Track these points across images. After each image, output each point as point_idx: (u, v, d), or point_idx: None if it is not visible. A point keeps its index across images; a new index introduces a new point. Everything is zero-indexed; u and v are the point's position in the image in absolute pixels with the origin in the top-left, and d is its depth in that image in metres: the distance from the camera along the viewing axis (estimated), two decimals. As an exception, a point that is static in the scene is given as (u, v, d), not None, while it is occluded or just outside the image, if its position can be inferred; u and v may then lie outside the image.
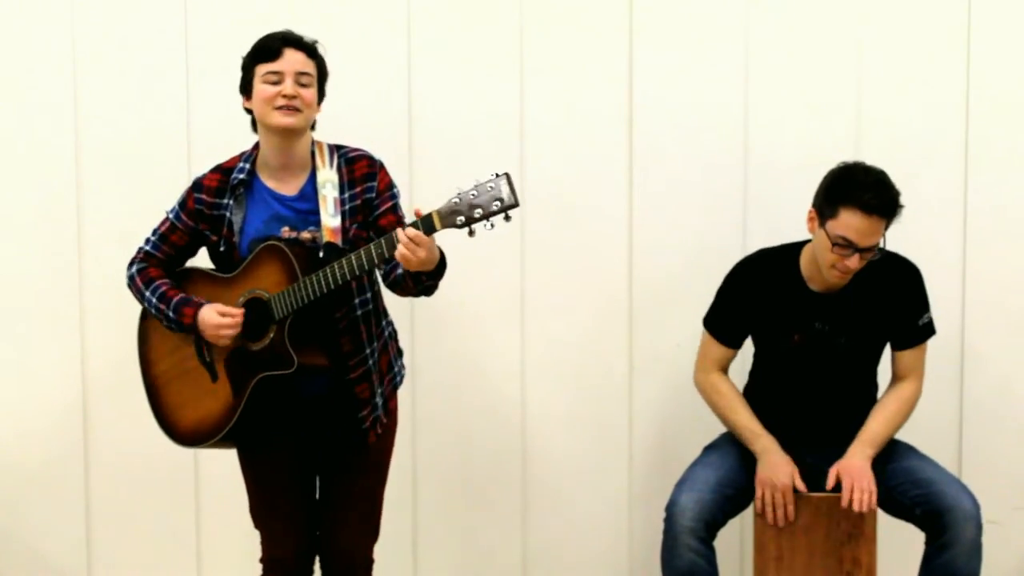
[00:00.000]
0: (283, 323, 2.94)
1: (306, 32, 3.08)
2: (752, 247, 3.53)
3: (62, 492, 3.83)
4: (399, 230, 2.80)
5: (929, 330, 3.35)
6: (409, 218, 2.90)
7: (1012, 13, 3.65)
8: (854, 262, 3.16)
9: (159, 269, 3.12)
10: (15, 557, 3.84)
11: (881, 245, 3.20)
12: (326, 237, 2.97)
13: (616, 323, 3.78)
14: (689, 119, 3.71)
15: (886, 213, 3.15)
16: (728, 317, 3.39)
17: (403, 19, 3.71)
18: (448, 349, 3.80)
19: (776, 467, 3.23)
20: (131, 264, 3.15)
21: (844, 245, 3.14)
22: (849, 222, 3.12)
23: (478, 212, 2.76)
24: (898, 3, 3.67)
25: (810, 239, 3.30)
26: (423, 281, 2.91)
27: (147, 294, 3.08)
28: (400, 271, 2.94)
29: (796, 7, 3.68)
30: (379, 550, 3.24)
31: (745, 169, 3.70)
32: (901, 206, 3.17)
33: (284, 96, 2.96)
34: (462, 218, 2.77)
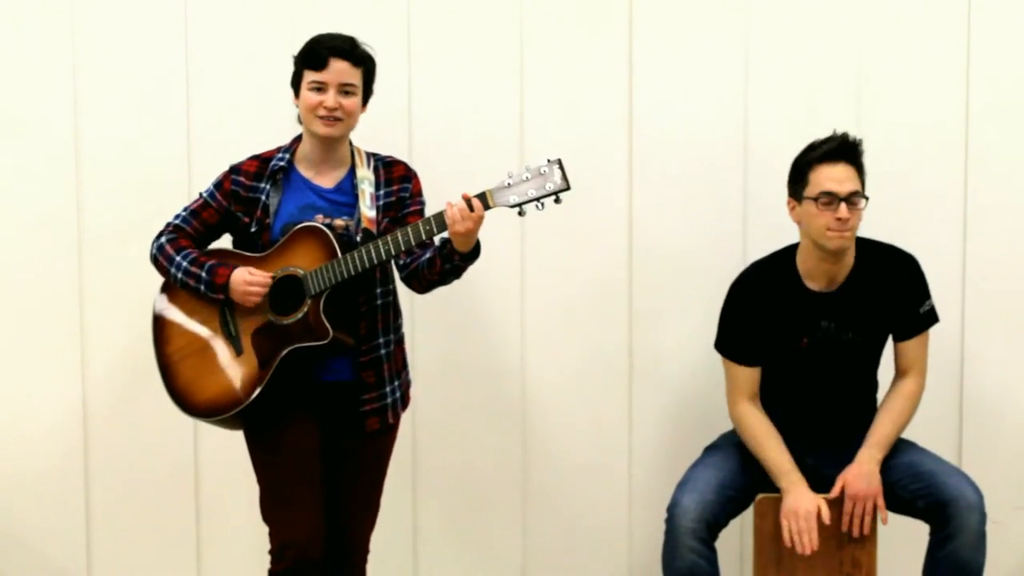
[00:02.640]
0: (318, 297, 3.05)
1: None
2: (752, 247, 3.53)
3: (62, 493, 3.82)
4: (448, 205, 2.96)
5: (931, 318, 3.34)
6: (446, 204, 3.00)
7: (1012, 13, 3.65)
8: (843, 212, 3.17)
9: (188, 241, 3.20)
10: (15, 558, 3.83)
11: (865, 196, 3.21)
12: (364, 224, 3.10)
13: (616, 322, 3.78)
14: (689, 119, 3.71)
15: (848, 155, 3.22)
16: (738, 336, 3.35)
17: (403, 19, 3.71)
18: (448, 348, 3.80)
19: (800, 498, 3.19)
20: (159, 236, 3.21)
21: (828, 200, 3.18)
22: (821, 176, 3.21)
23: (531, 192, 2.96)
24: (898, 3, 3.67)
25: (799, 242, 3.31)
26: (454, 259, 3.02)
27: (177, 259, 3.15)
28: (426, 256, 3.09)
29: (796, 7, 3.68)
30: (379, 550, 3.24)
31: (745, 169, 3.70)
32: (858, 142, 3.23)
33: (326, 107, 3.09)
34: (515, 197, 2.97)
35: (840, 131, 3.26)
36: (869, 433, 3.27)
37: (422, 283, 3.16)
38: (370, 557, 3.30)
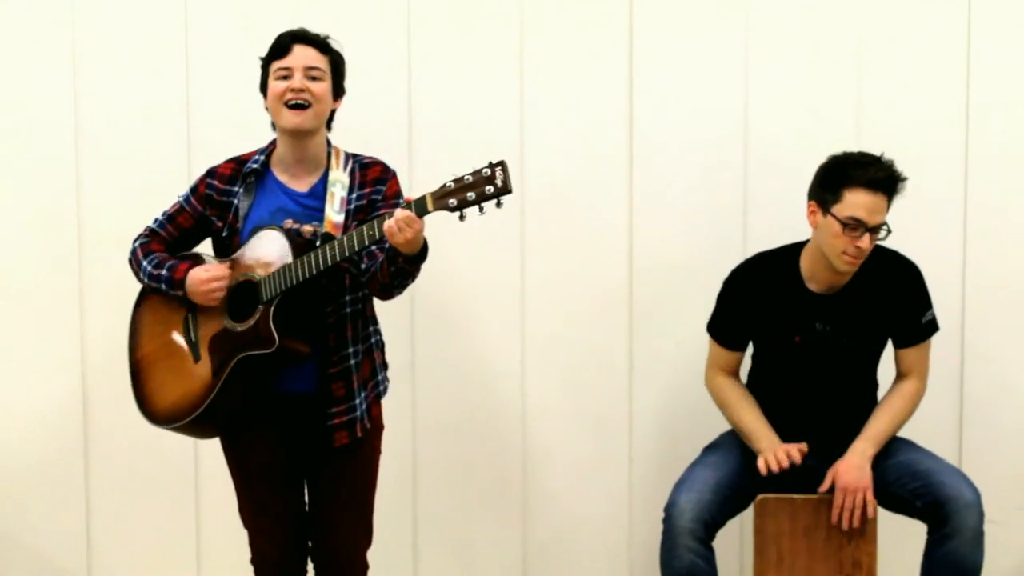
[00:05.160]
0: (270, 304, 2.96)
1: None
2: (752, 247, 3.53)
3: (62, 492, 3.83)
4: (391, 211, 2.85)
5: (932, 327, 3.35)
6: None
7: (1012, 13, 3.65)
8: (865, 242, 3.15)
9: (161, 245, 3.16)
10: (15, 557, 3.84)
11: (887, 228, 3.19)
12: (326, 227, 3.00)
13: (616, 322, 3.77)
14: (689, 119, 3.71)
15: (890, 187, 3.17)
16: (730, 322, 3.39)
17: (403, 19, 3.71)
18: (448, 348, 3.80)
19: (777, 442, 3.25)
20: (134, 241, 3.19)
21: (854, 226, 3.14)
22: (856, 201, 3.14)
23: (471, 196, 2.79)
24: (898, 3, 3.67)
25: (807, 240, 3.31)
26: (399, 262, 2.89)
27: (144, 263, 3.12)
28: (380, 260, 2.96)
29: (796, 7, 3.68)
30: (379, 551, 3.24)
31: (745, 169, 3.70)
32: (904, 179, 3.18)
33: (292, 90, 3.00)
34: (454, 201, 2.80)
35: (888, 157, 3.19)
36: (865, 427, 3.28)
37: (377, 287, 3.03)
38: (370, 557, 3.29)
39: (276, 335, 2.94)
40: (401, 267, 2.90)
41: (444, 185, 2.82)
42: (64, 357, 3.79)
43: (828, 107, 3.68)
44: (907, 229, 3.48)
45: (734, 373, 3.43)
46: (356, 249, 2.88)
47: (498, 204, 2.81)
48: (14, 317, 3.79)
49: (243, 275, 3.03)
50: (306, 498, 3.19)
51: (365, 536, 3.20)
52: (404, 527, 3.80)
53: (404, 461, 3.75)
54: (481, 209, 2.82)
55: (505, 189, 2.78)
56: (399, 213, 2.81)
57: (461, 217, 2.82)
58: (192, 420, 3.05)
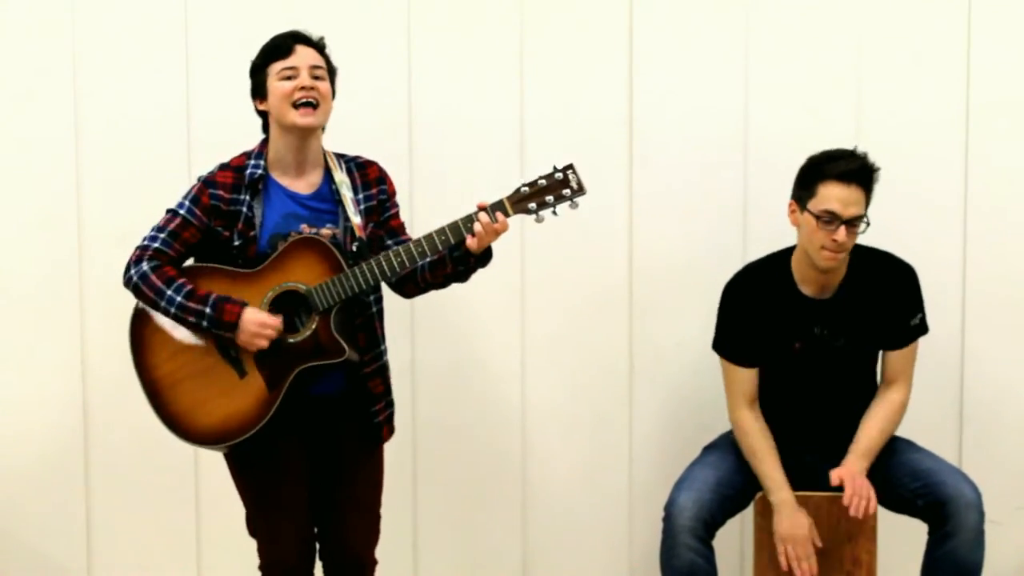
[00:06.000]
0: (327, 313, 2.97)
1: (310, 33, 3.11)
2: (752, 247, 3.53)
3: (62, 492, 3.83)
4: (467, 220, 2.92)
5: (920, 330, 3.33)
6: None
7: (1012, 13, 3.65)
8: (841, 235, 3.15)
9: (174, 267, 3.03)
10: (15, 557, 3.84)
11: (866, 221, 3.19)
12: (357, 233, 3.02)
13: (616, 323, 3.78)
14: (689, 119, 3.71)
15: (862, 179, 3.17)
16: (735, 336, 3.34)
17: (403, 19, 3.71)
18: (448, 349, 3.80)
19: (794, 522, 3.19)
20: (137, 263, 3.00)
21: (829, 220, 3.15)
22: (829, 194, 3.15)
23: (549, 199, 2.93)
24: (898, 3, 3.67)
25: (795, 245, 3.30)
26: (470, 262, 2.97)
27: (169, 292, 2.96)
28: (425, 260, 3.01)
29: (796, 7, 3.68)
30: (379, 551, 3.24)
31: (745, 170, 3.70)
32: (876, 169, 3.19)
33: (302, 88, 2.99)
34: (534, 204, 2.93)
35: (860, 149, 3.21)
36: (854, 442, 3.25)
37: (419, 287, 3.09)
38: (369, 557, 3.30)
39: (345, 344, 2.96)
40: (471, 267, 3.00)
41: (518, 190, 2.94)
42: (64, 357, 3.79)
43: (828, 107, 3.68)
44: (907, 229, 3.49)
45: (754, 401, 3.32)
46: (428, 255, 2.95)
47: (573, 205, 2.94)
48: (14, 317, 3.79)
49: (282, 286, 2.99)
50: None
51: (377, 532, 3.22)
52: (404, 527, 3.80)
53: (404, 461, 3.75)
54: (555, 212, 2.95)
55: (581, 190, 2.94)
56: (485, 219, 2.90)
57: (539, 219, 2.95)
58: (249, 437, 2.99)
